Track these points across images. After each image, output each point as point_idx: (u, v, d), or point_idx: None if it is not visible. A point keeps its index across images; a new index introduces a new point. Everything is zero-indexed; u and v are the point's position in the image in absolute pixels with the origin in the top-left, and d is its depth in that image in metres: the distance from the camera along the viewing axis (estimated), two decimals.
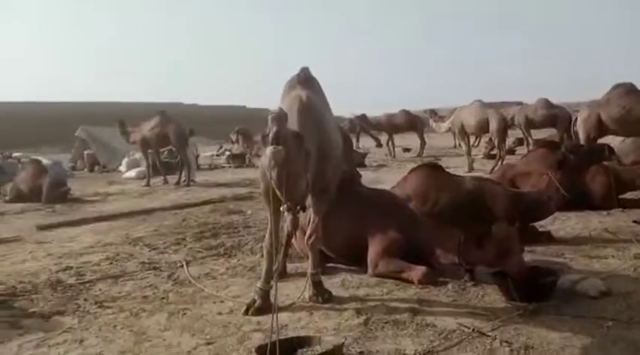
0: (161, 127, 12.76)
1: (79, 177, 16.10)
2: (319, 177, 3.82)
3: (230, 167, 17.63)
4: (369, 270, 4.58)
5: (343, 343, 3.06)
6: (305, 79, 4.30)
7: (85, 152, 19.18)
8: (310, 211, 4.20)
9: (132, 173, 15.31)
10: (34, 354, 3.41)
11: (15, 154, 18.41)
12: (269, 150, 3.21)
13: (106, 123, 17.96)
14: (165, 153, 14.77)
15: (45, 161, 13.31)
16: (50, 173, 11.37)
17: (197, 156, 15.81)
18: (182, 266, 5.27)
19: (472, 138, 15.08)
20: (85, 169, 18.75)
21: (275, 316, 2.88)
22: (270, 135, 3.20)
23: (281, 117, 3.27)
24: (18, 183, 11.14)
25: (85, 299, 4.42)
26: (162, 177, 13.13)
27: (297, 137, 3.40)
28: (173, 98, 56.71)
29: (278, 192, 3.40)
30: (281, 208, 3.46)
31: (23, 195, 10.88)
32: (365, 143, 22.55)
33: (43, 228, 7.80)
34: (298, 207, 3.51)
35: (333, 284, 4.42)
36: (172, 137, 12.69)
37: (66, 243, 6.74)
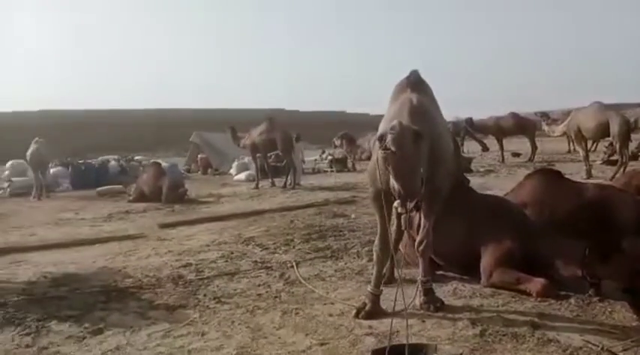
0: (268, 133, 13.28)
1: (193, 180, 17.08)
2: (431, 179, 3.76)
3: (332, 171, 17.88)
4: (483, 280, 4.42)
5: (462, 353, 2.98)
6: (415, 82, 4.25)
7: (199, 156, 20.36)
8: (420, 217, 4.14)
9: (242, 176, 16.03)
10: (161, 343, 3.66)
11: (137, 157, 19.92)
12: (389, 139, 3.24)
13: (218, 129, 18.98)
14: (273, 157, 15.28)
15: (164, 164, 14.25)
16: (169, 175, 12.15)
17: (303, 161, 16.20)
18: (292, 266, 5.42)
19: (589, 143, 14.10)
20: (199, 172, 19.88)
21: (392, 321, 2.87)
22: (391, 135, 3.25)
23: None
24: (140, 185, 12.04)
25: (205, 295, 4.68)
26: (270, 180, 13.62)
27: (415, 134, 3.39)
28: (276, 105, 58.78)
29: (394, 189, 3.38)
30: (394, 204, 3.44)
31: (145, 196, 11.73)
32: (470, 147, 21.87)
33: (163, 226, 8.37)
34: (412, 205, 3.43)
35: (445, 292, 4.33)
36: (279, 142, 13.14)
37: (184, 241, 7.17)
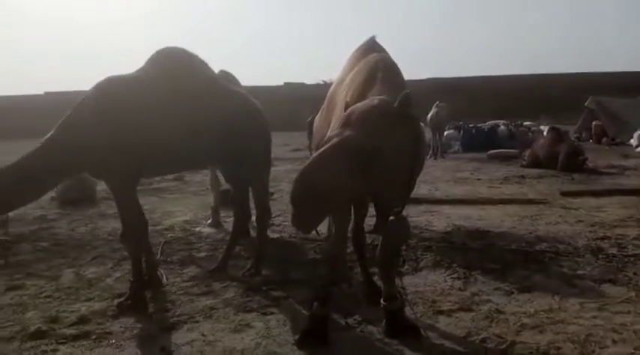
0: None
1: (585, 149, 15.69)
2: None
3: None
4: None
5: None
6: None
7: (593, 123, 18.57)
8: None
9: None
10: (598, 316, 3.40)
11: (525, 123, 19.48)
12: None
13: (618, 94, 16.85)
14: None
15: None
16: (568, 142, 11.43)
17: None
18: None
19: None
20: (591, 140, 18.18)
21: None
22: None
23: None
24: (535, 150, 11.70)
25: (635, 273, 4.16)
26: None
27: None
28: None
29: None
30: None
31: (539, 161, 11.35)
32: None
33: (565, 194, 7.90)
34: None
35: None
36: None
37: (594, 212, 6.59)
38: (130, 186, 3.85)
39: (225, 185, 5.89)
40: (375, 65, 3.20)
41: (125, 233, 3.81)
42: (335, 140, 2.54)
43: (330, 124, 3.36)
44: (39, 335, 3.30)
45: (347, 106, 2.91)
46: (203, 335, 3.28)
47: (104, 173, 3.82)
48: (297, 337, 3.14)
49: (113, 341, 3.24)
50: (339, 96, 3.33)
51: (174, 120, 3.81)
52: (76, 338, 3.27)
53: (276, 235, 5.83)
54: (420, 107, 3.62)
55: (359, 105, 2.72)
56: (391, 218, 2.94)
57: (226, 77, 5.25)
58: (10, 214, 4.42)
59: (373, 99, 2.76)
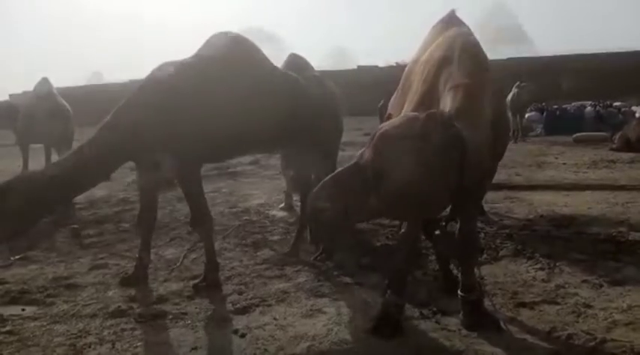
0: None
1: None
2: None
3: None
4: None
5: None
6: None
7: None
8: None
9: None
10: None
11: (615, 104, 18.17)
12: None
13: None
14: None
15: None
16: None
17: None
18: None
19: None
20: None
21: None
22: None
23: None
24: (627, 132, 10.90)
25: None
26: None
27: None
28: None
29: None
30: None
31: (631, 145, 10.57)
32: None
33: None
34: None
35: None
36: None
37: None
38: (194, 172, 3.87)
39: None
40: (453, 42, 2.99)
41: (194, 219, 3.88)
42: (352, 161, 2.53)
43: (403, 106, 3.21)
44: (119, 313, 3.42)
45: (422, 93, 2.83)
46: (275, 318, 3.28)
47: (167, 159, 3.83)
48: (369, 325, 3.06)
49: (189, 321, 3.30)
50: (415, 77, 3.17)
51: (230, 104, 3.77)
52: (153, 317, 3.37)
53: None
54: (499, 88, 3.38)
55: (388, 125, 2.58)
56: (437, 232, 2.87)
57: (296, 60, 5.22)
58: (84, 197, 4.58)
59: (404, 116, 2.63)
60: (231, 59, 3.95)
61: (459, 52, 2.87)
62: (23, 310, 3.55)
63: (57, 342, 3.05)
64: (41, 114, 7.24)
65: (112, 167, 3.77)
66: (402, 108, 3.19)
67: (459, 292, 3.09)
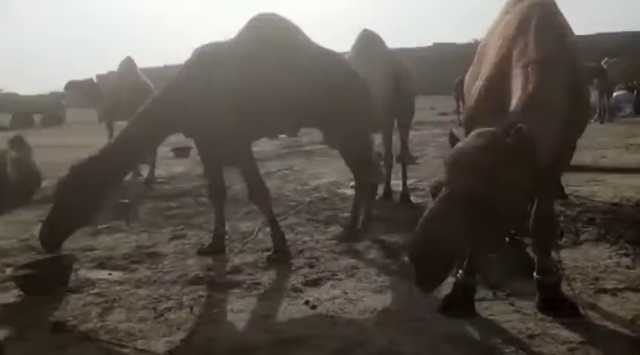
0: None
1: None
2: None
3: None
4: None
5: None
6: None
7: None
8: None
9: None
10: None
11: None
12: None
13: None
14: None
15: None
16: None
17: None
18: None
19: None
20: None
21: None
22: None
23: None
24: None
25: None
26: None
27: None
28: None
29: None
30: None
31: None
32: None
33: None
34: None
35: None
36: None
37: None
38: (245, 147, 3.98)
39: None
40: (529, 11, 2.78)
41: (252, 194, 3.99)
42: (445, 192, 2.24)
43: (477, 79, 3.08)
44: (197, 281, 3.60)
45: (495, 64, 2.70)
46: (345, 292, 3.32)
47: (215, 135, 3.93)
48: (440, 304, 3.03)
49: (262, 291, 3.41)
50: (490, 49, 3.02)
51: (271, 82, 3.82)
52: (228, 286, 3.50)
53: (419, 200, 5.70)
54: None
55: (463, 146, 2.29)
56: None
57: (370, 36, 5.15)
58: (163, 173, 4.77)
59: (478, 134, 2.29)
60: (272, 38, 4.00)
61: (535, 21, 2.70)
62: (110, 274, 3.80)
63: (140, 305, 3.24)
64: (125, 91, 7.60)
65: (159, 140, 4.04)
66: (475, 82, 3.06)
67: (534, 274, 2.99)
